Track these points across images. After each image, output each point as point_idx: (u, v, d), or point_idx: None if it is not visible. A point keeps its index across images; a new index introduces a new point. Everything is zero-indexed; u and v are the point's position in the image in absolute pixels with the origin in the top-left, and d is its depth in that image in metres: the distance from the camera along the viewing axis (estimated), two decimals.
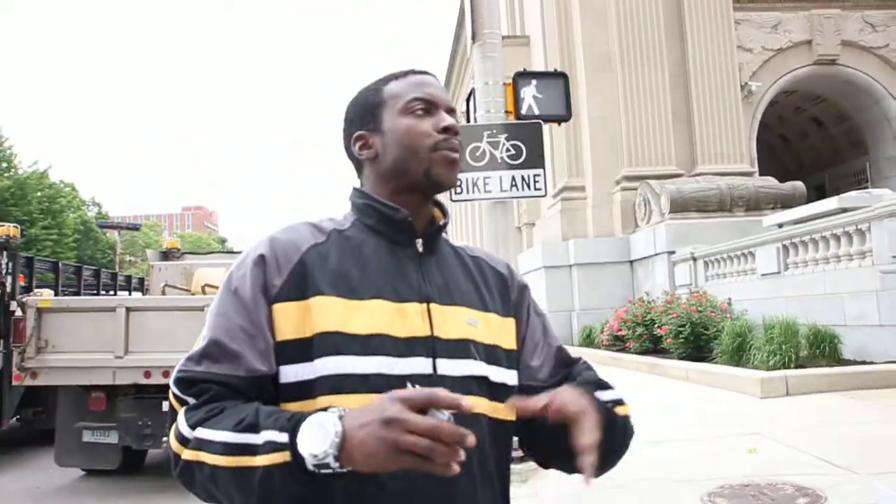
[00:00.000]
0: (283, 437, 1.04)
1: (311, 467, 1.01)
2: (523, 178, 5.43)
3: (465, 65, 33.80)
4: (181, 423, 1.16)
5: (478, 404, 1.24)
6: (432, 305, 1.29)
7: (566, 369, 1.46)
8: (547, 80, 5.62)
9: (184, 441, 1.14)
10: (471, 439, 0.99)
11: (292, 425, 1.05)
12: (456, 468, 0.98)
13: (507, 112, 5.52)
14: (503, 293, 1.44)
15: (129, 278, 16.57)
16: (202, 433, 1.12)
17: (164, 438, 7.03)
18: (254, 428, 1.08)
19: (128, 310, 7.25)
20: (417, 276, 1.31)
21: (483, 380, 1.29)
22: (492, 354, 1.32)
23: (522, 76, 5.60)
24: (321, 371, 1.18)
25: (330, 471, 1.01)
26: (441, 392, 1.01)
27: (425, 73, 1.42)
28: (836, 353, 10.02)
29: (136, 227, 54.23)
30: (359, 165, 1.42)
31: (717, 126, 19.31)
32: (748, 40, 20.36)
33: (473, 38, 5.50)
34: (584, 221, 20.15)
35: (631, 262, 18.67)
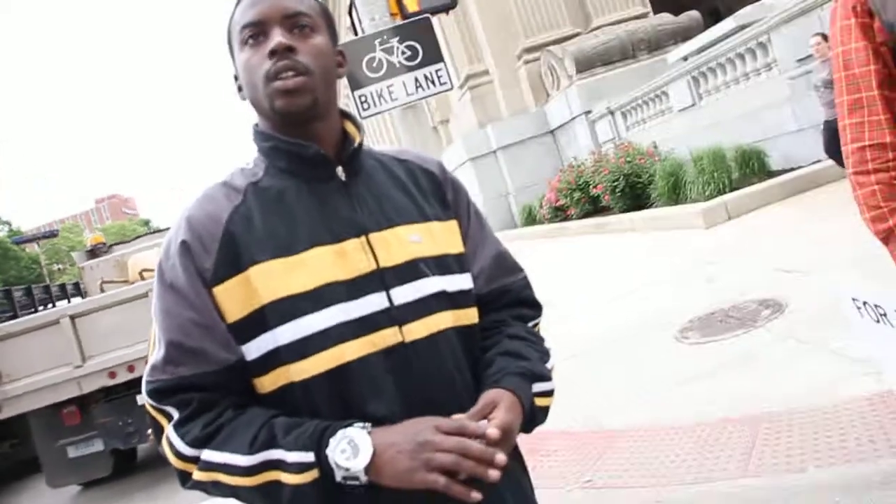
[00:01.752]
0: (309, 457, 1.07)
1: (339, 479, 1.06)
2: (426, 77, 5.31)
3: None
4: (175, 440, 1.14)
5: (442, 319, 1.23)
6: (371, 236, 1.22)
7: (505, 279, 1.39)
8: None
9: (186, 459, 1.13)
10: (500, 457, 1.06)
11: (316, 441, 1.08)
12: (477, 495, 1.06)
13: (391, 15, 5.35)
14: (439, 195, 1.36)
15: (63, 287, 16.05)
16: (212, 456, 1.11)
17: (149, 431, 7.01)
18: (271, 444, 1.09)
19: (72, 318, 7.05)
20: (348, 209, 1.23)
21: (441, 294, 1.24)
22: (443, 264, 1.27)
23: None
24: (282, 340, 1.14)
25: (357, 482, 1.06)
26: (471, 425, 1.09)
27: None
28: (765, 167, 10.34)
29: (53, 235, 52.08)
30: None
31: None
32: None
33: None
34: (496, 104, 20.04)
35: (552, 131, 18.73)
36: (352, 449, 1.06)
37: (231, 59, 1.29)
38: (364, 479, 1.05)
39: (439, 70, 5.27)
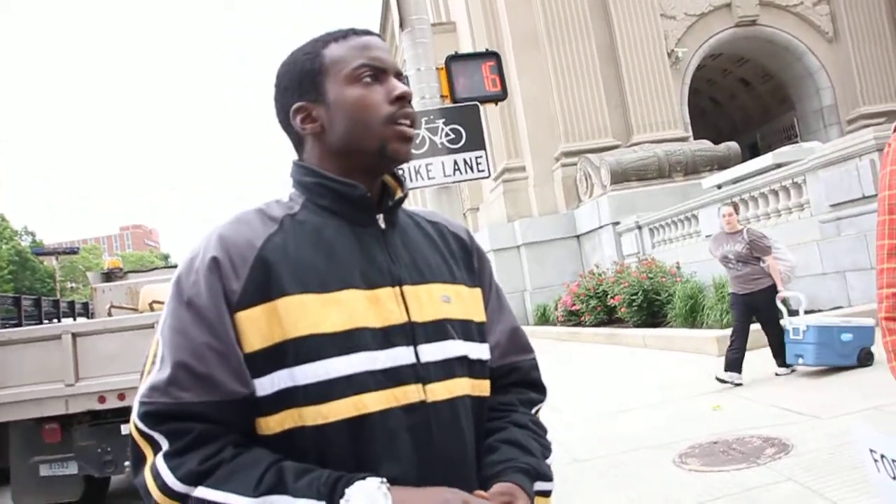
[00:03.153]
0: None
1: None
2: (465, 161, 5.38)
3: (394, 54, 33.62)
4: (164, 472, 1.03)
5: (461, 385, 1.20)
6: (405, 288, 1.19)
7: (517, 357, 1.38)
8: (479, 61, 5.58)
9: (174, 495, 1.03)
10: None
11: (329, 490, 1.01)
12: None
13: (442, 97, 5.46)
14: (467, 261, 1.35)
15: (72, 304, 16.12)
16: (209, 494, 1.02)
17: (126, 463, 6.86)
18: (279, 488, 1.01)
19: (74, 335, 7.00)
20: (385, 258, 1.20)
21: (464, 359, 1.22)
22: (467, 330, 1.25)
23: (455, 59, 5.54)
24: (302, 380, 1.08)
25: None
26: None
27: (369, 32, 1.27)
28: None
29: (74, 251, 52.84)
30: (299, 139, 1.27)
31: (649, 94, 19.58)
32: (670, 7, 20.66)
33: (402, 25, 5.43)
34: (528, 201, 20.27)
35: (577, 236, 18.84)
36: None
37: (304, 90, 1.24)
38: None
39: (479, 157, 5.35)
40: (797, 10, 21.42)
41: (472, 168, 5.44)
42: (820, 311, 9.69)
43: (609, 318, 13.97)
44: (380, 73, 1.23)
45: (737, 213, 7.56)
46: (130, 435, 1.10)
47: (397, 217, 1.29)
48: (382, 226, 1.24)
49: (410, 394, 1.13)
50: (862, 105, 21.02)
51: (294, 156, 1.31)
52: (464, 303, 1.28)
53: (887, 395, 5.18)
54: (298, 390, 1.08)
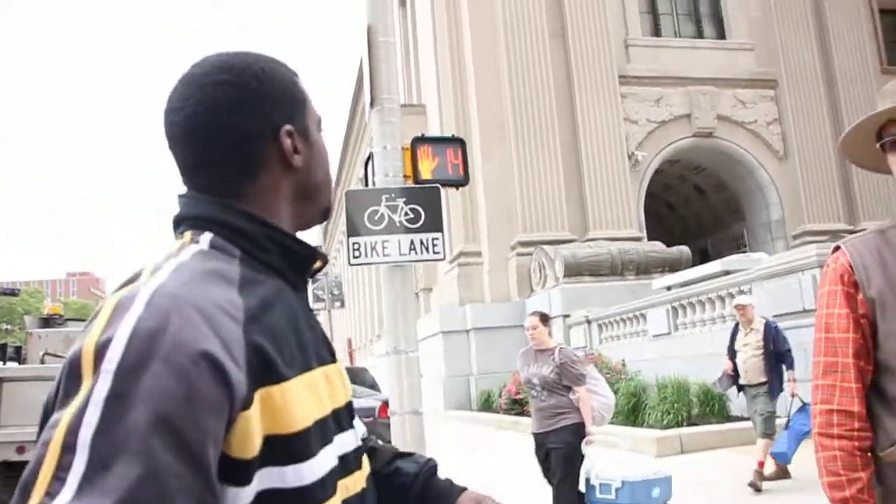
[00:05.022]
0: None
1: None
2: (422, 242, 5.44)
3: (363, 129, 34.14)
4: None
5: (367, 468, 1.11)
6: (338, 363, 1.07)
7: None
8: (444, 145, 5.71)
9: None
10: None
11: None
12: None
13: (405, 176, 5.56)
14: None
15: (3, 346, 15.51)
16: None
17: None
18: None
19: (1, 380, 6.78)
20: (319, 327, 1.05)
21: (364, 439, 1.19)
22: (352, 410, 1.12)
23: (420, 141, 5.67)
24: (294, 482, 0.87)
25: None
26: None
27: None
28: (725, 410, 10.41)
29: (13, 293, 50.91)
30: (247, 167, 1.00)
31: (608, 193, 20.13)
32: (633, 112, 21.46)
33: (372, 103, 5.56)
34: (481, 286, 20.39)
35: None
36: None
37: (292, 116, 1.04)
38: None
39: (436, 239, 5.42)
40: (751, 126, 22.44)
41: (427, 249, 5.50)
42: None
43: None
44: None
45: (545, 325, 5.77)
46: None
47: None
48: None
49: (358, 482, 1.03)
50: (807, 222, 21.86)
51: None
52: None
53: None
54: (286, 494, 0.87)
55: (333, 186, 1.12)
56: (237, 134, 0.98)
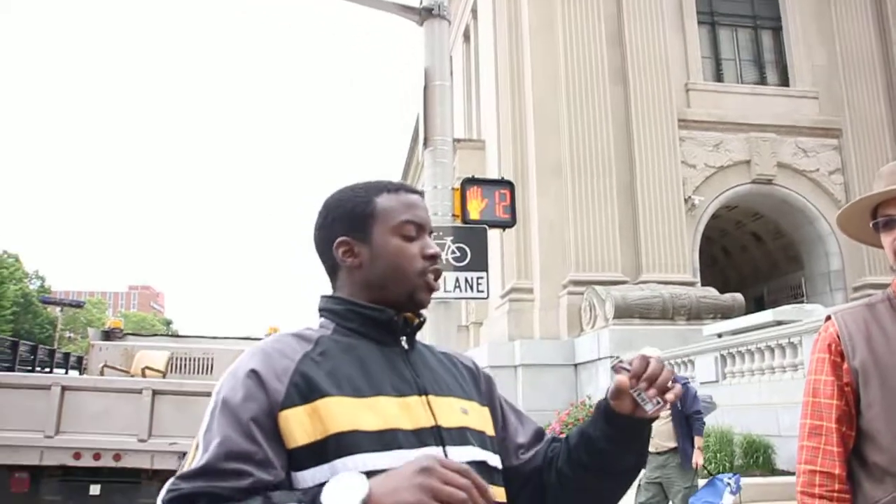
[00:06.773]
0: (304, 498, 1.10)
1: None
2: (467, 280, 5.61)
3: (419, 167, 34.58)
4: None
5: None
6: (430, 397, 1.35)
7: (540, 443, 1.55)
8: (493, 188, 5.90)
9: None
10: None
11: (310, 499, 1.09)
12: None
13: (454, 215, 5.75)
14: (476, 384, 1.54)
15: (66, 356, 16.21)
16: None
17: None
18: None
19: (63, 388, 7.12)
20: (410, 372, 1.37)
21: (483, 464, 1.36)
22: (482, 440, 1.40)
23: (470, 182, 5.87)
24: (342, 471, 1.16)
25: None
26: (471, 469, 1.09)
27: (415, 191, 1.51)
28: (770, 462, 10.24)
29: (79, 305, 52.96)
30: (333, 268, 1.46)
31: (662, 236, 20.01)
32: (692, 157, 21.35)
33: (425, 143, 5.80)
34: (531, 323, 20.39)
35: (575, 365, 18.86)
36: (348, 491, 1.06)
37: (352, 228, 1.43)
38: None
39: (480, 278, 5.59)
40: (813, 175, 22.08)
41: (472, 287, 5.68)
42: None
43: None
44: (420, 230, 1.46)
45: None
46: None
47: (416, 342, 1.48)
48: (405, 346, 1.43)
49: None
50: (868, 274, 21.31)
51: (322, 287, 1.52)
52: (478, 416, 1.45)
53: None
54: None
55: (420, 277, 1.43)
56: (320, 248, 1.48)
